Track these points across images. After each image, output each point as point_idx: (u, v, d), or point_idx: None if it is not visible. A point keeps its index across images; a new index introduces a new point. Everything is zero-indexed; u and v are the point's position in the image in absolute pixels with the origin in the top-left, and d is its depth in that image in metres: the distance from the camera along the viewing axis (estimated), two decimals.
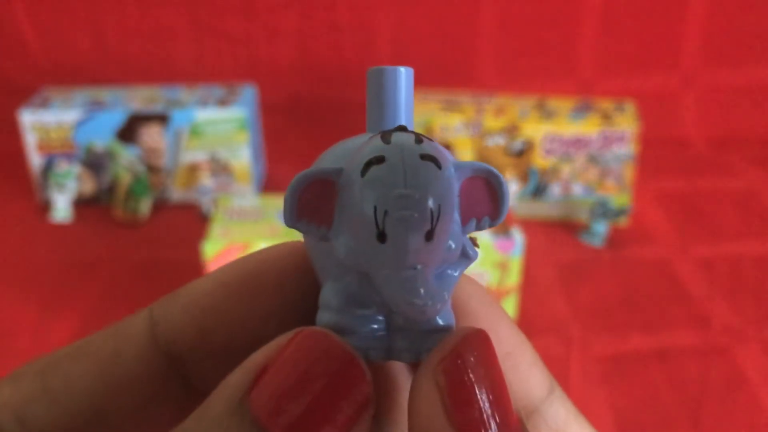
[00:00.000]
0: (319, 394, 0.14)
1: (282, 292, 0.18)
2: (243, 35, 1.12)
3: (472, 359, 0.15)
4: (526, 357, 0.18)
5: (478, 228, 0.16)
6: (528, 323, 0.72)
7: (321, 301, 0.16)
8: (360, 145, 0.15)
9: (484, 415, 0.14)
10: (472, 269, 0.67)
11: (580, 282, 0.80)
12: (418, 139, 0.15)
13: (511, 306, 0.70)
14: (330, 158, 0.17)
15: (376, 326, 0.16)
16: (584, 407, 0.65)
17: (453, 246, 0.15)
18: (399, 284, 0.15)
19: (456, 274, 0.16)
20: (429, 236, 0.15)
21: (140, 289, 0.78)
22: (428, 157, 0.15)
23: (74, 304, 0.76)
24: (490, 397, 0.15)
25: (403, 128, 0.15)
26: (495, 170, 0.15)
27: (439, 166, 0.15)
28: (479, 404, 0.14)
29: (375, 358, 0.16)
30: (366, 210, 0.14)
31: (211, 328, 0.17)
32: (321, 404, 0.14)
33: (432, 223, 0.14)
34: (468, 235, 0.16)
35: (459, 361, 0.15)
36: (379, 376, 0.17)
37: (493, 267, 0.68)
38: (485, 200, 0.15)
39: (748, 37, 1.12)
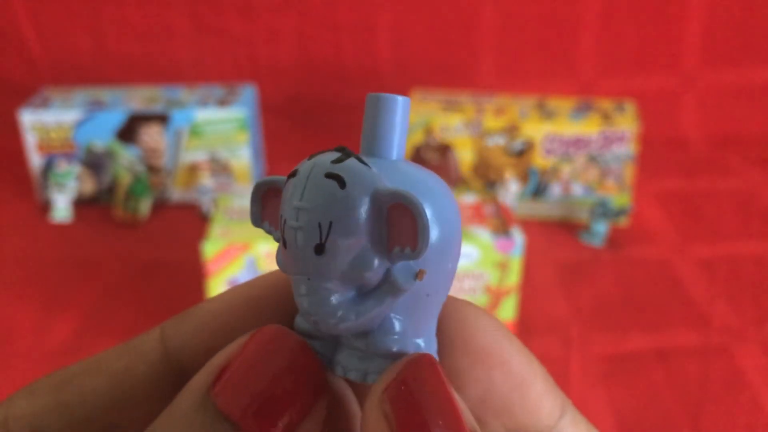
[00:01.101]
0: (277, 381, 0.15)
1: (283, 315, 0.18)
2: (243, 35, 1.12)
3: (416, 385, 0.15)
4: (537, 387, 0.18)
5: (397, 258, 0.16)
6: (528, 323, 0.72)
7: None
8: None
9: None
10: (472, 269, 0.67)
11: (580, 282, 0.80)
12: (341, 159, 0.16)
13: (511, 306, 0.70)
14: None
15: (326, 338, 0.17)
16: (584, 407, 0.65)
17: (361, 268, 0.16)
18: (294, 289, 0.16)
19: (380, 302, 0.16)
20: (319, 250, 0.15)
21: (140, 289, 0.78)
22: (333, 175, 0.15)
23: (74, 304, 0.76)
24: (440, 422, 0.15)
25: (342, 149, 0.16)
26: (415, 199, 0.15)
27: (342, 186, 0.15)
28: (427, 429, 0.15)
29: (327, 366, 0.17)
30: (280, 218, 0.16)
31: (218, 347, 0.18)
32: (279, 390, 0.15)
33: (321, 238, 0.15)
34: (417, 267, 0.16)
35: (403, 388, 0.15)
36: (332, 401, 0.17)
37: (493, 267, 0.68)
38: (409, 229, 0.15)
39: (748, 37, 1.12)
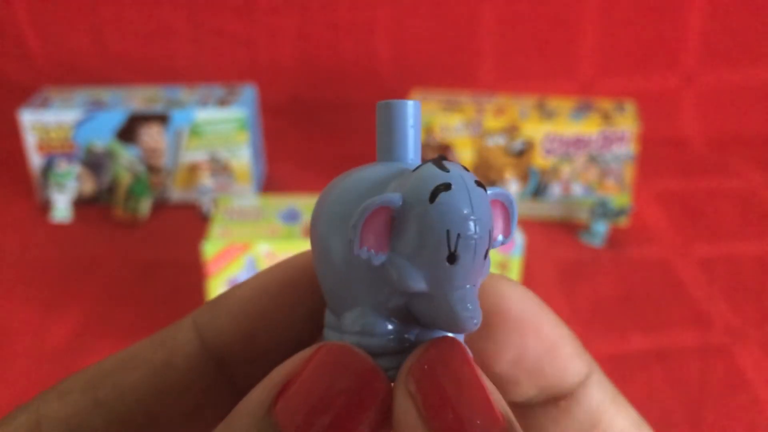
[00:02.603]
0: (344, 406, 0.15)
1: (318, 296, 0.18)
2: (243, 35, 1.12)
3: (439, 364, 0.15)
4: (566, 349, 0.19)
5: (491, 246, 0.17)
6: None
7: (335, 323, 0.17)
8: (401, 174, 0.16)
9: (462, 418, 0.15)
10: None
11: (580, 282, 0.80)
12: (463, 167, 0.16)
13: None
14: (349, 188, 0.17)
15: (396, 346, 0.17)
16: None
17: (489, 265, 0.17)
18: (456, 301, 0.16)
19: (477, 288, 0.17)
20: (485, 256, 0.16)
21: (140, 289, 0.78)
22: (479, 183, 0.16)
23: (74, 304, 0.76)
24: (466, 399, 0.15)
25: (444, 157, 0.16)
26: (510, 194, 0.17)
27: (486, 192, 0.16)
28: (453, 407, 0.15)
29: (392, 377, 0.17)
30: (438, 234, 0.15)
31: (257, 333, 0.18)
32: (346, 416, 0.15)
33: (489, 243, 0.16)
34: None
35: (426, 367, 0.15)
36: None
37: (493, 267, 0.68)
38: (498, 221, 0.17)
39: (748, 37, 1.12)
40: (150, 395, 0.18)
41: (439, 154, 0.17)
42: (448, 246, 0.15)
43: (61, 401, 0.18)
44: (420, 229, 0.15)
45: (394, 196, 0.15)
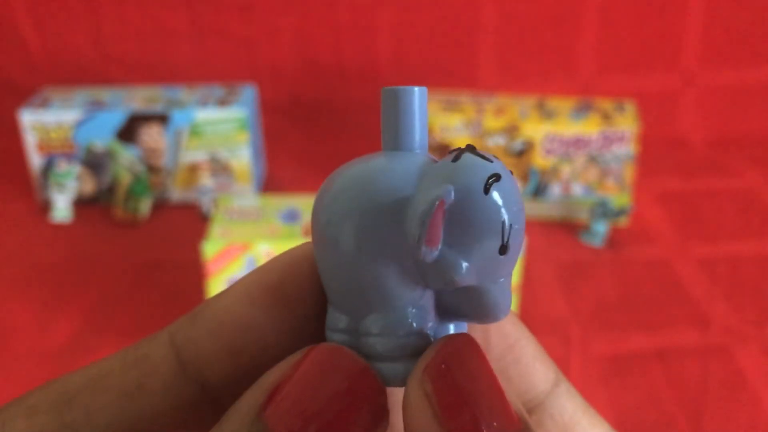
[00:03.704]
0: (335, 404, 0.14)
1: (307, 299, 0.17)
2: (243, 35, 1.12)
3: (456, 363, 0.15)
4: (529, 350, 0.18)
5: None
6: (528, 323, 0.72)
7: (346, 326, 0.16)
8: (428, 165, 0.16)
9: (479, 419, 0.14)
10: None
11: (580, 282, 0.80)
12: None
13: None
14: (367, 180, 0.16)
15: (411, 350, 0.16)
16: None
17: None
18: (500, 292, 0.16)
19: None
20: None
21: (140, 289, 0.78)
22: (512, 172, 0.16)
23: (74, 304, 0.76)
24: (483, 399, 0.14)
25: (473, 147, 0.16)
26: None
27: None
28: (470, 408, 0.14)
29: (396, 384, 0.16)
30: (495, 225, 0.15)
31: (241, 348, 0.17)
32: (338, 419, 0.14)
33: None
34: None
35: (443, 366, 0.15)
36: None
37: None
38: None
39: (748, 37, 1.12)
40: (121, 420, 0.16)
41: (469, 144, 0.16)
42: (502, 237, 0.15)
43: (28, 421, 0.16)
44: (475, 221, 0.15)
45: (449, 189, 0.15)
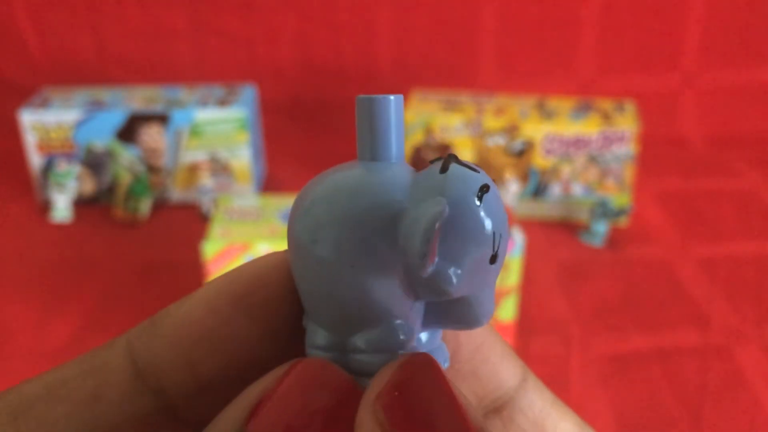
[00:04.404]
0: (320, 425, 0.14)
1: (274, 312, 0.16)
2: (243, 35, 1.12)
3: (412, 389, 0.14)
4: (497, 349, 0.18)
5: None
6: (528, 323, 0.72)
7: (331, 343, 0.16)
8: (427, 176, 0.15)
9: None
10: None
11: (580, 282, 0.80)
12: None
13: (511, 306, 0.70)
14: (355, 194, 0.16)
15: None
16: (584, 407, 0.65)
17: None
18: (487, 299, 0.16)
19: None
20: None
21: (140, 289, 0.78)
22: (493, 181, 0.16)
23: (74, 304, 0.76)
24: (440, 426, 0.14)
25: (455, 155, 0.16)
26: None
27: None
28: None
29: None
30: (488, 236, 0.15)
31: (201, 359, 0.16)
32: (323, 430, 0.14)
33: None
34: None
35: (396, 393, 0.14)
36: None
37: None
38: None
39: (748, 37, 1.12)
40: (78, 430, 0.16)
41: (450, 153, 0.16)
42: (493, 247, 0.15)
43: None
44: (469, 233, 0.15)
45: (443, 203, 0.15)
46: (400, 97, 0.16)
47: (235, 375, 0.16)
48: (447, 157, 0.15)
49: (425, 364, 0.15)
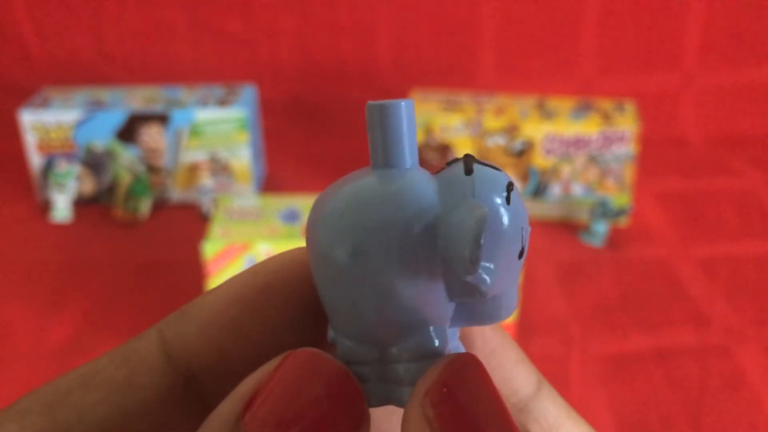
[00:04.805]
0: (314, 413, 0.14)
1: (295, 302, 0.17)
2: (243, 35, 1.12)
3: (459, 385, 0.14)
4: (511, 355, 0.18)
5: None
6: (528, 323, 0.72)
7: (366, 356, 0.16)
8: (453, 179, 0.15)
9: None
10: None
11: (580, 282, 0.80)
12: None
13: None
14: (372, 202, 0.15)
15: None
16: (584, 407, 0.65)
17: None
18: (514, 295, 0.16)
19: None
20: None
21: (140, 289, 0.78)
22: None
23: (74, 304, 0.76)
24: (487, 424, 0.14)
25: (472, 156, 0.16)
26: None
27: None
28: None
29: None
30: (517, 233, 0.15)
31: (228, 345, 0.17)
32: (317, 424, 0.14)
33: None
34: None
35: (445, 390, 0.14)
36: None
37: None
38: None
39: (748, 37, 1.12)
40: (112, 415, 0.17)
41: (466, 153, 0.16)
42: (521, 242, 0.15)
43: (19, 423, 0.16)
44: (503, 233, 0.15)
45: (483, 206, 0.15)
46: (411, 101, 0.16)
47: (261, 361, 0.16)
48: (467, 159, 0.16)
49: (471, 362, 0.15)
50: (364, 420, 0.15)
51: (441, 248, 0.15)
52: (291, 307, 0.17)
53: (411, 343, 0.16)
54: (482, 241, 0.14)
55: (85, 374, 0.17)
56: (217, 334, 0.17)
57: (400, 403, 0.16)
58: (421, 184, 0.15)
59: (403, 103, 0.16)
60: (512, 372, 0.18)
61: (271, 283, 0.17)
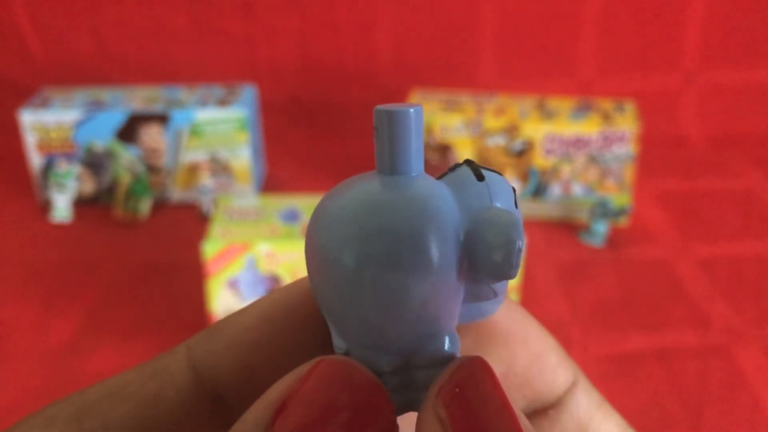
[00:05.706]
0: (345, 423, 0.14)
1: (324, 323, 0.17)
2: (243, 35, 1.12)
3: (470, 387, 0.15)
4: (552, 359, 0.19)
5: None
6: None
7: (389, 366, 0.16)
8: (467, 185, 0.16)
9: None
10: None
11: (580, 282, 0.80)
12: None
13: None
14: (395, 212, 0.15)
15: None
16: None
17: None
18: (505, 291, 0.17)
19: None
20: None
21: (140, 289, 0.78)
22: None
23: (74, 304, 0.76)
24: (496, 425, 0.14)
25: (471, 161, 0.16)
26: None
27: None
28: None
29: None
30: (521, 229, 0.16)
31: (257, 365, 0.17)
32: (347, 430, 0.14)
33: None
34: None
35: (457, 390, 0.15)
36: None
37: None
38: None
39: (748, 37, 1.12)
40: (138, 429, 0.17)
41: (468, 159, 0.16)
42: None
43: (45, 430, 0.16)
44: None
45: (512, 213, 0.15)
46: (420, 108, 0.16)
47: None
48: (472, 164, 0.16)
49: (481, 365, 0.15)
50: (394, 431, 0.15)
51: (471, 255, 0.15)
52: (319, 327, 0.17)
53: (429, 350, 0.16)
54: (520, 246, 0.14)
55: (113, 386, 0.17)
56: (245, 354, 0.17)
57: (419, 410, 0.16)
58: (440, 192, 0.15)
59: (412, 110, 0.15)
60: (552, 375, 0.19)
61: (303, 303, 0.17)
